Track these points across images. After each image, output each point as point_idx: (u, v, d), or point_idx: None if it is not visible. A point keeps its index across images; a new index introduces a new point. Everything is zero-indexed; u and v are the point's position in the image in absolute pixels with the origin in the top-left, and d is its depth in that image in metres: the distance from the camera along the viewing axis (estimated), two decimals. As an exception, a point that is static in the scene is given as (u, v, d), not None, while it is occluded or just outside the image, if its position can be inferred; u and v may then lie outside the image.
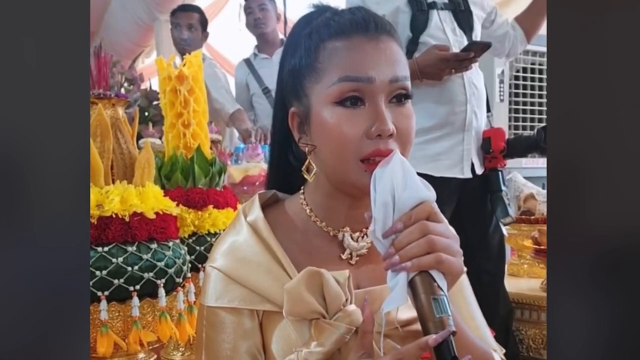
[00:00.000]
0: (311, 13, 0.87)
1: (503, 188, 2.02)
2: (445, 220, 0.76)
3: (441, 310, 0.70)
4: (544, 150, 2.04)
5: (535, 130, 2.09)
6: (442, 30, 1.97)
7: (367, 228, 0.86)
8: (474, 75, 2.01)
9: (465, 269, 0.76)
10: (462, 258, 0.76)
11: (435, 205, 0.76)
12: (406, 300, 0.72)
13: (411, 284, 0.72)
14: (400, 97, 0.81)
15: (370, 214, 0.75)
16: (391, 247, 0.73)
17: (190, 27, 3.42)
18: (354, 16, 0.82)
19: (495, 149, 2.01)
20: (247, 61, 3.48)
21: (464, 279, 0.92)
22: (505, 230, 2.16)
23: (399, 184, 0.73)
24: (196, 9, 3.64)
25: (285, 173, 0.92)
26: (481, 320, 0.93)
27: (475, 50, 1.90)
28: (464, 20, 2.00)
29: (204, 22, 3.53)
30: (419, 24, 1.95)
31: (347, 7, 0.90)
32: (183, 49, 3.41)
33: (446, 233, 0.74)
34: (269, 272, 0.82)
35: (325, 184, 0.85)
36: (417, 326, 0.73)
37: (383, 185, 0.74)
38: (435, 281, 0.71)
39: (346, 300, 0.79)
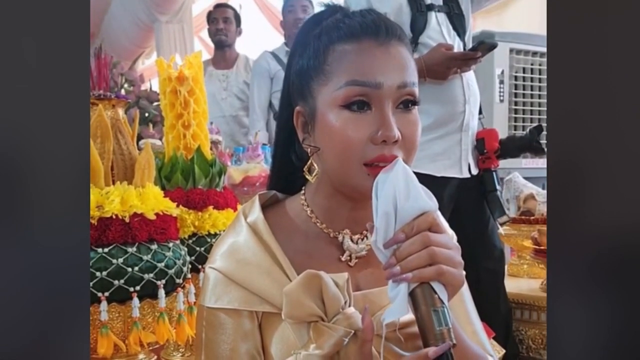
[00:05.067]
0: (321, 12, 0.86)
1: (498, 188, 2.03)
2: (447, 230, 0.74)
3: (441, 323, 0.70)
4: (537, 150, 2.05)
5: (528, 130, 2.10)
6: (440, 31, 1.99)
7: (366, 230, 0.86)
8: (470, 76, 2.02)
9: (464, 272, 0.76)
10: (463, 269, 0.75)
11: (438, 215, 0.75)
12: (407, 312, 0.72)
13: (412, 295, 0.72)
14: (407, 103, 0.80)
15: (372, 224, 0.74)
16: (392, 257, 0.73)
17: (226, 20, 3.69)
18: (365, 19, 0.81)
19: (489, 150, 2.03)
20: (276, 56, 3.46)
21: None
22: (502, 229, 2.16)
23: (402, 194, 0.73)
24: (229, 7, 3.91)
25: (288, 172, 0.92)
26: (478, 325, 0.93)
27: (482, 50, 1.91)
28: (458, 23, 2.03)
29: (237, 17, 3.78)
30: (418, 25, 1.96)
31: (345, 5, 0.89)
32: (219, 39, 3.70)
33: (448, 244, 0.73)
34: (269, 273, 0.82)
35: (326, 186, 0.85)
36: (415, 328, 0.73)
37: (385, 194, 0.73)
38: (436, 293, 0.71)
39: (345, 303, 0.78)
